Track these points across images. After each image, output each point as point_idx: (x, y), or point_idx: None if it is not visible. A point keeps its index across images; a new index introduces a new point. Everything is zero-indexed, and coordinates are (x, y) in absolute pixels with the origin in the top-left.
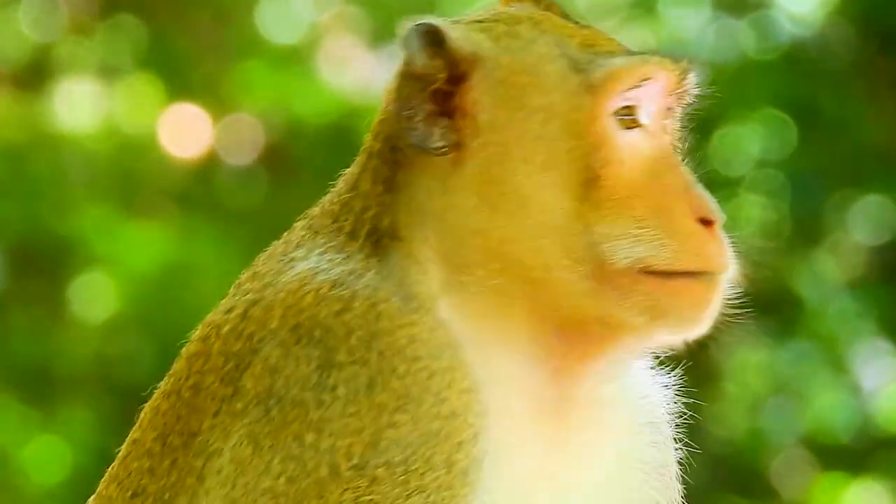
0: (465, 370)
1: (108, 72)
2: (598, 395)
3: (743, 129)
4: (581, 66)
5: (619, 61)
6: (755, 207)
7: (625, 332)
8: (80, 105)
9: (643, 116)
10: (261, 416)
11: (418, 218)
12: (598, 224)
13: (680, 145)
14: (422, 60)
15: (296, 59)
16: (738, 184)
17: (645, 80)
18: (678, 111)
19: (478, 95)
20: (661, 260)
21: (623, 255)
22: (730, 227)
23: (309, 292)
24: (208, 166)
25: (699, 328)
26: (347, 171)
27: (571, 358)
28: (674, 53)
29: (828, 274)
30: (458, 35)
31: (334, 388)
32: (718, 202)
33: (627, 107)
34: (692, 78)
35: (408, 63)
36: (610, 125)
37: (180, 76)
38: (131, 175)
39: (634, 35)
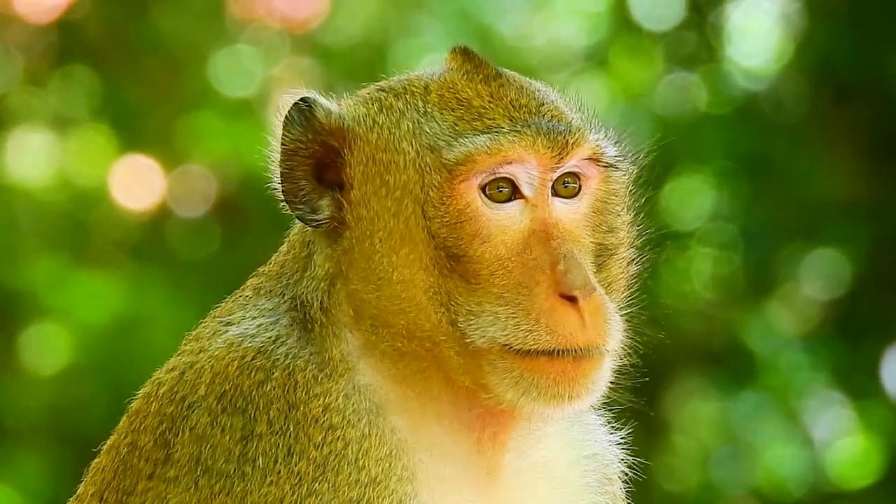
0: (384, 436)
1: (61, 123)
2: (528, 463)
3: (695, 181)
4: (438, 145)
5: (477, 142)
6: (707, 260)
7: (508, 406)
8: (32, 156)
9: (525, 188)
10: (190, 486)
11: (331, 283)
12: (462, 300)
13: (590, 210)
14: (292, 135)
15: (248, 111)
16: (691, 237)
17: (506, 161)
18: (593, 178)
19: (351, 170)
20: (516, 339)
21: (479, 333)
22: (681, 281)
23: (235, 360)
24: (160, 218)
25: (574, 403)
26: (292, 230)
27: (490, 428)
28: (554, 130)
29: (779, 326)
30: (330, 110)
31: (255, 460)
32: (670, 256)
33: (505, 179)
34: (586, 150)
35: (282, 137)
36: (474, 202)
37: (132, 128)
38: (83, 226)
39: (587, 88)
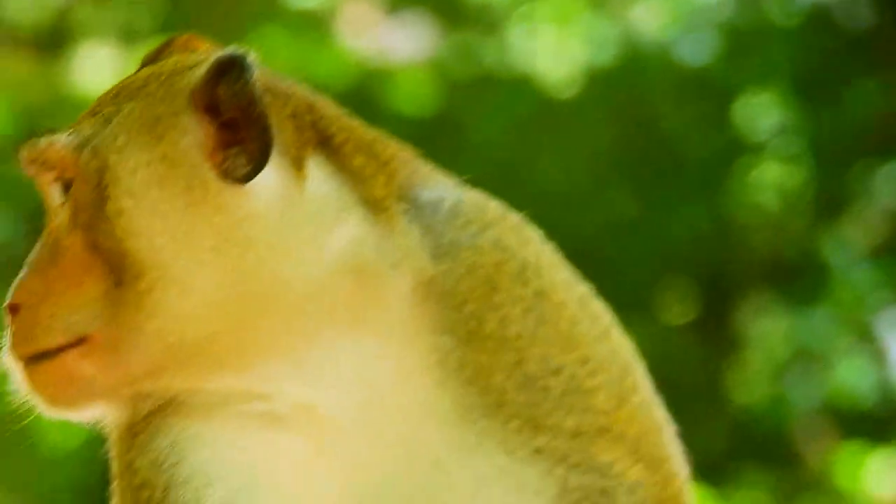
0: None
1: (127, 35)
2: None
3: (765, 95)
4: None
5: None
6: (778, 174)
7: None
8: (99, 68)
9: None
10: None
11: None
12: None
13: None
14: None
15: (314, 24)
16: (761, 150)
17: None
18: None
19: None
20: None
21: None
22: (752, 194)
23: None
24: None
25: (55, 409)
26: None
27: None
28: (34, 143)
29: (852, 241)
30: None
31: None
32: (740, 169)
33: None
34: (48, 158)
35: None
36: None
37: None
38: None
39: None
